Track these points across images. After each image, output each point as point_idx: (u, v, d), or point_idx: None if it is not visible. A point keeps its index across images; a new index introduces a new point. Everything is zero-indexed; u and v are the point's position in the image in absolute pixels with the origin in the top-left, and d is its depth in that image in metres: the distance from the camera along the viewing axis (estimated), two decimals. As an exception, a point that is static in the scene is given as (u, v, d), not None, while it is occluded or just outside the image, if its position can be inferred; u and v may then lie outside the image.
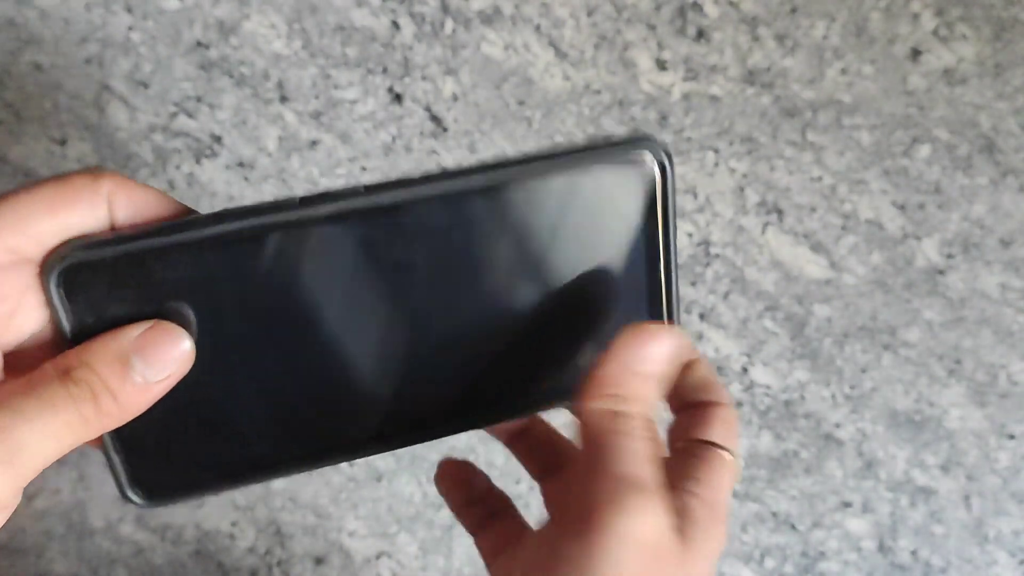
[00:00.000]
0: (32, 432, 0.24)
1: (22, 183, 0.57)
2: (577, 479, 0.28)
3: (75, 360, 0.25)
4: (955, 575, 0.62)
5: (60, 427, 0.24)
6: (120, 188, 0.26)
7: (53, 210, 0.25)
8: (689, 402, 0.33)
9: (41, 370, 0.25)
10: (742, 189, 0.58)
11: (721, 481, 0.30)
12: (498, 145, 0.57)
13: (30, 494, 0.62)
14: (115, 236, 0.26)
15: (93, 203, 0.26)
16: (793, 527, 0.62)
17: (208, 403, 0.28)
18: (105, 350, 0.25)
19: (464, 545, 0.60)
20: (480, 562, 0.37)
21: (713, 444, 0.31)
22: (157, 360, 0.25)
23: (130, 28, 0.55)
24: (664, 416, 0.34)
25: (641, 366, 0.28)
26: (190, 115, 0.57)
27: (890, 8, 0.55)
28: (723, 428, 0.32)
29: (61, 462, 0.62)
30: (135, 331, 0.26)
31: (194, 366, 0.27)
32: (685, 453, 0.31)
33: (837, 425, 0.61)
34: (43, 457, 0.24)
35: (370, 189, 0.27)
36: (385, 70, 0.56)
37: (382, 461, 0.59)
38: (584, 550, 0.25)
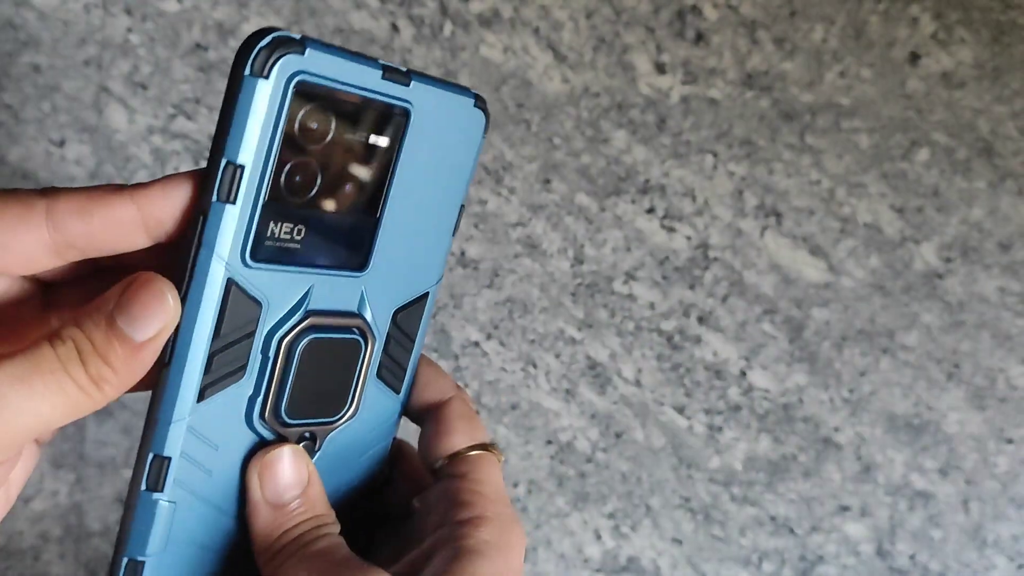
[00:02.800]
0: (14, 390, 0.23)
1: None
2: None
3: (68, 321, 0.24)
4: (954, 579, 0.62)
5: (48, 387, 0.23)
6: (61, 204, 0.25)
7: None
8: (422, 406, 0.32)
9: (37, 335, 0.24)
10: (740, 192, 0.58)
11: (489, 481, 0.29)
12: (497, 148, 0.57)
13: (27, 496, 0.62)
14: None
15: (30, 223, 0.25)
16: (791, 531, 0.62)
17: None
18: (91, 310, 0.24)
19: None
20: None
21: (459, 453, 0.30)
22: (140, 317, 0.24)
23: (129, 30, 0.55)
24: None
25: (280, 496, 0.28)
26: (189, 117, 0.57)
27: (889, 12, 0.55)
28: (462, 425, 0.31)
29: (58, 465, 0.62)
30: (118, 290, 0.24)
31: None
32: (444, 475, 0.30)
33: (835, 429, 0.61)
34: (33, 417, 0.23)
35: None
36: (384, 72, 0.56)
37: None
38: None
